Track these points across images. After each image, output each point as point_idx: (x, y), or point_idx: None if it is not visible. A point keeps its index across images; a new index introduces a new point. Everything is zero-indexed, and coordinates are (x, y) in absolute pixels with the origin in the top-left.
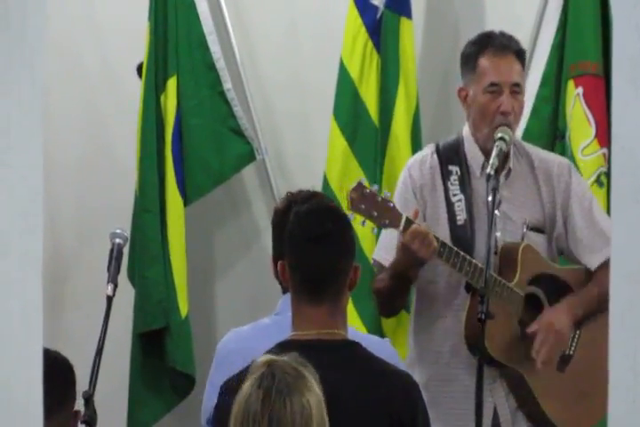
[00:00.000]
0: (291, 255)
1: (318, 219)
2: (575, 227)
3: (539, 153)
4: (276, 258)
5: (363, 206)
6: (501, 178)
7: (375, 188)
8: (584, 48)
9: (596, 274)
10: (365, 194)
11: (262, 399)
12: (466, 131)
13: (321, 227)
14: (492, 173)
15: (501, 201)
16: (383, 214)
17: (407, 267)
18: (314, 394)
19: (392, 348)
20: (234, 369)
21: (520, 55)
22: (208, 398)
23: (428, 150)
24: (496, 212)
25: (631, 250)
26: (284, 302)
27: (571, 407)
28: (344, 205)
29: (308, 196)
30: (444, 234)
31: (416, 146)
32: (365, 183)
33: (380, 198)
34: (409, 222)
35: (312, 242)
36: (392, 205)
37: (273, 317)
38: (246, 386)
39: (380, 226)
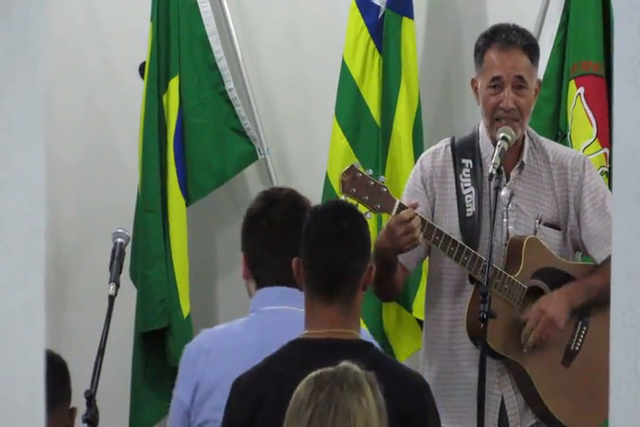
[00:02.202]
0: (305, 254)
1: (335, 218)
2: (586, 221)
3: (555, 148)
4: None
5: (354, 190)
6: (514, 172)
7: (369, 172)
8: (585, 48)
9: (601, 266)
10: (357, 177)
11: (312, 391)
12: (481, 125)
13: (337, 226)
14: (495, 172)
15: (514, 194)
16: (375, 199)
17: (386, 249)
18: (364, 411)
19: (370, 337)
20: (212, 367)
21: (529, 50)
22: (180, 401)
23: (442, 144)
24: (510, 205)
25: (632, 249)
26: (256, 300)
27: (577, 404)
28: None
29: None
30: (453, 225)
31: (418, 145)
32: (360, 167)
33: (372, 182)
34: (402, 208)
35: (327, 241)
36: (385, 189)
37: (250, 314)
38: (311, 375)
39: (373, 210)
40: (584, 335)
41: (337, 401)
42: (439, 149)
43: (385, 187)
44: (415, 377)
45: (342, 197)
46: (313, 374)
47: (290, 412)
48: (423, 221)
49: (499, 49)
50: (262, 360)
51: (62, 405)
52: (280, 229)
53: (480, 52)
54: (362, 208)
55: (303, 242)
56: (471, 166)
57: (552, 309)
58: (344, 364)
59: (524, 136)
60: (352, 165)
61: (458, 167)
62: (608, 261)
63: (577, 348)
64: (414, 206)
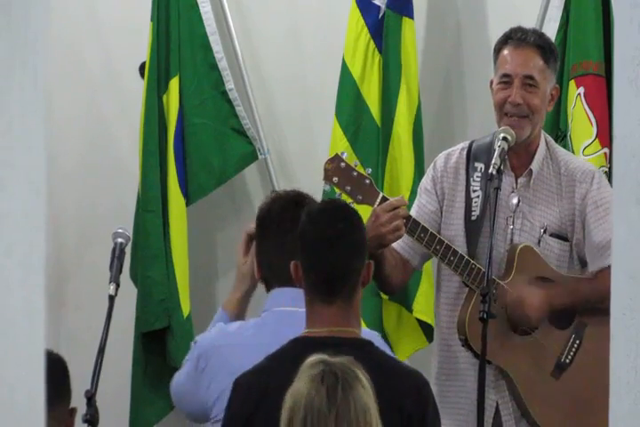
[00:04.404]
0: (304, 256)
1: (330, 219)
2: (589, 235)
3: (569, 159)
4: (258, 258)
5: (336, 179)
6: (522, 178)
7: (355, 163)
8: (586, 48)
9: (595, 274)
10: (341, 167)
11: (327, 397)
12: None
13: (333, 227)
14: (494, 172)
15: (520, 201)
16: (357, 190)
17: (369, 240)
18: (370, 395)
19: (382, 340)
20: (226, 363)
21: (543, 50)
22: (200, 395)
23: (460, 146)
24: (515, 212)
25: (632, 249)
26: (270, 299)
27: (566, 416)
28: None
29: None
30: (459, 228)
31: (418, 146)
32: (346, 157)
33: (355, 173)
34: (385, 202)
35: (325, 243)
36: (368, 181)
37: (262, 314)
38: (304, 383)
39: (355, 201)
40: (576, 349)
41: (354, 398)
42: (454, 151)
43: (369, 179)
44: (415, 375)
45: (326, 185)
46: (309, 380)
47: (304, 421)
48: (409, 216)
49: (512, 47)
50: (263, 359)
51: (62, 404)
52: (282, 231)
53: (496, 50)
54: (345, 198)
55: (300, 245)
56: (482, 170)
57: (530, 299)
58: (319, 358)
59: (537, 144)
60: (336, 154)
61: (470, 170)
62: (602, 270)
63: (568, 360)
64: (402, 200)
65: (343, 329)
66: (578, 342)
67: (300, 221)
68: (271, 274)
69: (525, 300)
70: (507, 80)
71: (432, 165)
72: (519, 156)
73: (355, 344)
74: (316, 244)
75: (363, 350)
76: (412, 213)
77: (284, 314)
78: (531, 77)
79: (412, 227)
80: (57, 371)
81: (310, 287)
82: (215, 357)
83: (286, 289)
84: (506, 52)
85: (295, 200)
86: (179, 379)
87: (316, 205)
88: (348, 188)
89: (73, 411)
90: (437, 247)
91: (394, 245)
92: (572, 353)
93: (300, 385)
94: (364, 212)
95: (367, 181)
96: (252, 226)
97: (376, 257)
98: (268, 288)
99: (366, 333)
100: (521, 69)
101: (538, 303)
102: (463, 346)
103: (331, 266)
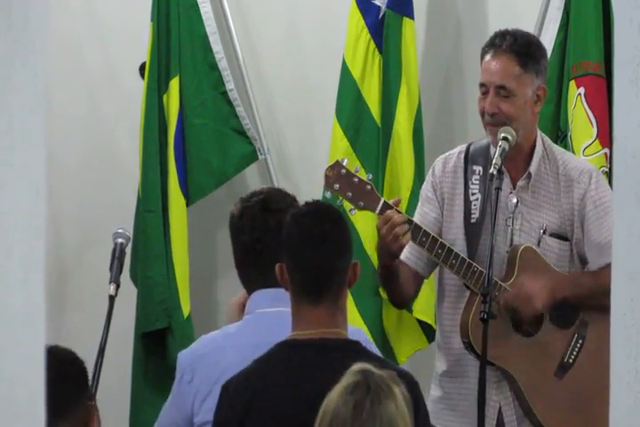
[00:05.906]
0: (289, 257)
1: (315, 220)
2: (589, 235)
3: (567, 159)
4: (238, 263)
5: (337, 186)
6: (522, 182)
7: (356, 169)
8: (586, 48)
9: (596, 270)
10: (342, 173)
11: (354, 408)
12: None
13: (318, 228)
14: (495, 172)
15: (519, 202)
16: (359, 196)
17: (379, 250)
18: (403, 414)
19: (367, 337)
20: (210, 370)
21: (520, 56)
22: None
23: (457, 149)
24: (514, 213)
25: (632, 249)
26: (251, 302)
27: (569, 416)
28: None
29: (259, 194)
30: (459, 231)
31: (418, 146)
32: (347, 164)
33: (356, 179)
34: (386, 207)
35: (310, 244)
36: (369, 187)
37: (245, 317)
38: (337, 390)
39: (356, 207)
40: (579, 348)
41: (380, 413)
42: (452, 155)
43: (370, 184)
44: (404, 374)
45: (327, 192)
46: (342, 388)
47: None
48: (410, 221)
49: (490, 55)
50: (251, 363)
51: (83, 401)
52: (254, 239)
53: (481, 55)
54: (347, 205)
55: (286, 246)
56: (481, 173)
57: (532, 287)
58: (361, 368)
59: (534, 145)
60: (337, 161)
61: (469, 174)
62: (604, 267)
63: (571, 360)
64: (397, 203)
65: (330, 330)
66: (581, 341)
67: (269, 226)
68: (248, 279)
69: (527, 288)
70: (484, 90)
71: (431, 170)
72: (515, 161)
73: (343, 345)
74: (302, 245)
75: (351, 351)
76: (416, 221)
77: (266, 315)
78: (503, 88)
79: (414, 232)
80: (74, 371)
81: (296, 289)
82: (201, 366)
83: (266, 290)
84: (485, 59)
85: (263, 207)
86: (161, 413)
87: (300, 207)
88: (350, 194)
89: (93, 406)
90: (439, 251)
91: (402, 258)
92: (575, 353)
93: (335, 391)
94: (366, 218)
95: (368, 187)
96: (240, 297)
97: (391, 270)
98: (248, 290)
99: (352, 331)
100: (494, 79)
101: (540, 289)
102: (466, 349)
103: (316, 267)
